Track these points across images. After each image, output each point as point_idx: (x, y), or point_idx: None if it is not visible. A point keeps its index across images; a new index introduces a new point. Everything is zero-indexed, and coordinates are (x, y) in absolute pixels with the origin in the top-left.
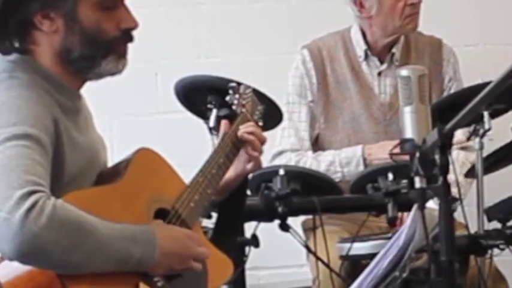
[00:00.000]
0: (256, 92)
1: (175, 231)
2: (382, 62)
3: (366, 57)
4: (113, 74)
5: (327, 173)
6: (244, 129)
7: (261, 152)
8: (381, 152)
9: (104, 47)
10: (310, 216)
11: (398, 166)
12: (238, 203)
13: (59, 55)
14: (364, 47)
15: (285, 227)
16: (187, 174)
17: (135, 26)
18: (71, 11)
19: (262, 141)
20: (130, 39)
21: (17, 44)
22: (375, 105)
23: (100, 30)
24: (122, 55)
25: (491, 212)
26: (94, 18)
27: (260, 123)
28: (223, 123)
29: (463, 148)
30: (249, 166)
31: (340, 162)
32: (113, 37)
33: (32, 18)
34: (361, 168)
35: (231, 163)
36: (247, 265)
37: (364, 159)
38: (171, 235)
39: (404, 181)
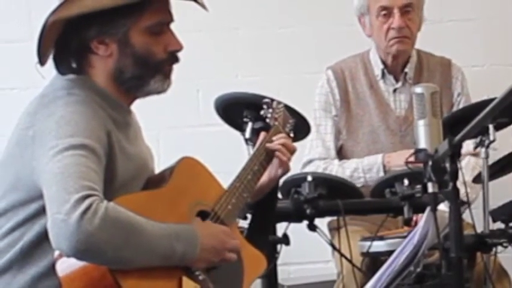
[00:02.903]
0: (287, 107)
1: (212, 227)
2: (397, 80)
3: (383, 75)
4: (159, 92)
5: (351, 179)
6: (276, 141)
7: (289, 158)
8: (399, 159)
9: (152, 68)
10: (334, 218)
11: (413, 173)
12: (270, 205)
13: (112, 76)
14: (381, 66)
15: (312, 227)
16: (225, 180)
17: (180, 48)
18: (124, 37)
19: (293, 151)
20: (176, 60)
21: (74, 65)
22: (391, 118)
23: (150, 53)
24: (167, 75)
25: (496, 214)
26: (144, 43)
27: (291, 135)
28: (261, 134)
29: (473, 155)
30: (280, 171)
31: (363, 169)
32: (160, 59)
33: (89, 44)
34: (381, 174)
35: (264, 170)
36: (279, 261)
37: (384, 166)
38: (209, 232)
39: (419, 186)
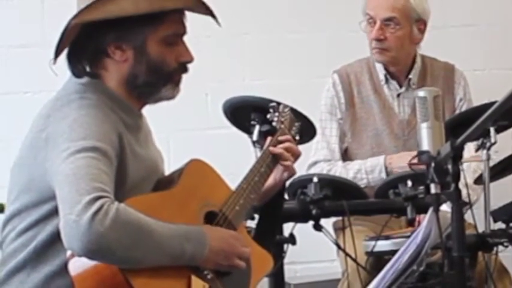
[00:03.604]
0: (294, 110)
1: (222, 232)
2: (401, 86)
3: (387, 80)
4: (168, 99)
5: (354, 180)
6: (279, 145)
7: (292, 162)
8: (400, 161)
9: (164, 77)
10: (340, 218)
11: (416, 174)
12: (277, 206)
13: (126, 80)
14: (384, 71)
15: (318, 227)
16: (233, 181)
17: (191, 60)
18: (141, 44)
19: (298, 155)
20: (185, 70)
21: (88, 68)
22: (395, 122)
23: (163, 62)
24: (177, 84)
25: (497, 214)
26: (159, 52)
27: (297, 138)
28: (268, 137)
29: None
30: (285, 174)
31: (365, 170)
32: (172, 68)
33: (106, 48)
34: (383, 175)
35: (271, 172)
36: (286, 260)
37: (386, 167)
38: (219, 235)
39: (421, 187)
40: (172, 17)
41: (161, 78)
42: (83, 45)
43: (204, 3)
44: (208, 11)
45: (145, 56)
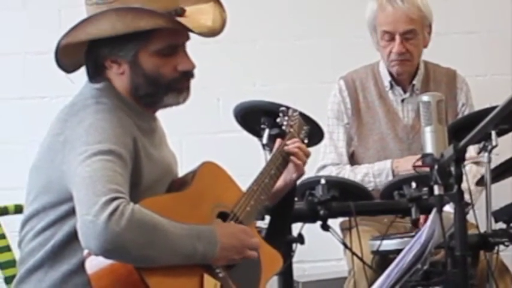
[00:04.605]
0: (302, 115)
1: (231, 227)
2: (405, 91)
3: (391, 86)
4: (175, 105)
5: (361, 183)
6: (291, 144)
7: (304, 162)
8: (406, 165)
9: (164, 87)
10: (346, 218)
11: (420, 176)
12: (287, 207)
13: (130, 91)
14: (389, 78)
15: (325, 227)
16: (244, 183)
17: (191, 68)
18: (133, 58)
19: (307, 155)
20: (190, 76)
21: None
22: (399, 126)
23: (159, 73)
24: (182, 90)
25: (498, 215)
26: (153, 65)
27: (305, 141)
28: (277, 140)
29: (476, 163)
30: (295, 175)
31: (373, 174)
32: (171, 78)
33: (103, 62)
34: (390, 178)
35: (281, 174)
36: (294, 259)
37: (393, 171)
38: (229, 231)
39: (425, 189)
40: (162, 32)
41: (160, 88)
42: (86, 58)
43: (177, 22)
44: (182, 26)
45: (139, 69)
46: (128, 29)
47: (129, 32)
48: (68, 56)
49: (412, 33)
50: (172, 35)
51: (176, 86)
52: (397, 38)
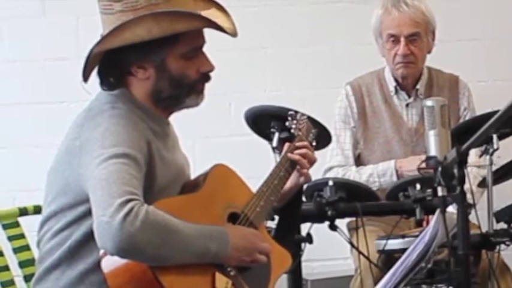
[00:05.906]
0: (310, 119)
1: (243, 230)
2: (409, 96)
3: (396, 91)
4: (193, 107)
5: (366, 183)
6: (297, 151)
7: (308, 169)
8: (409, 164)
9: (187, 88)
10: (353, 219)
11: (425, 178)
12: (295, 208)
13: (151, 95)
14: (394, 83)
15: (333, 227)
16: (254, 184)
17: (212, 69)
18: (161, 63)
19: (313, 161)
20: (208, 79)
21: (114, 84)
22: (404, 130)
23: (184, 75)
24: (200, 92)
25: (499, 215)
26: (180, 67)
27: (313, 144)
28: (286, 144)
29: (477, 166)
30: (301, 179)
31: (377, 174)
32: (194, 79)
33: (129, 68)
34: (394, 178)
35: (289, 176)
36: (303, 258)
37: (396, 171)
38: (240, 233)
39: (429, 190)
40: (188, 35)
41: (184, 90)
42: (109, 66)
43: (212, 22)
44: (218, 27)
45: (166, 73)
46: (164, 33)
47: (165, 36)
48: (92, 64)
49: (416, 36)
50: (195, 38)
51: (197, 87)
52: (402, 40)
